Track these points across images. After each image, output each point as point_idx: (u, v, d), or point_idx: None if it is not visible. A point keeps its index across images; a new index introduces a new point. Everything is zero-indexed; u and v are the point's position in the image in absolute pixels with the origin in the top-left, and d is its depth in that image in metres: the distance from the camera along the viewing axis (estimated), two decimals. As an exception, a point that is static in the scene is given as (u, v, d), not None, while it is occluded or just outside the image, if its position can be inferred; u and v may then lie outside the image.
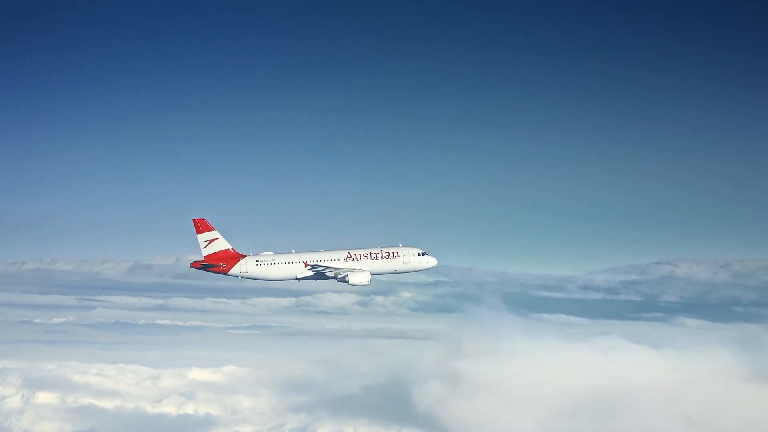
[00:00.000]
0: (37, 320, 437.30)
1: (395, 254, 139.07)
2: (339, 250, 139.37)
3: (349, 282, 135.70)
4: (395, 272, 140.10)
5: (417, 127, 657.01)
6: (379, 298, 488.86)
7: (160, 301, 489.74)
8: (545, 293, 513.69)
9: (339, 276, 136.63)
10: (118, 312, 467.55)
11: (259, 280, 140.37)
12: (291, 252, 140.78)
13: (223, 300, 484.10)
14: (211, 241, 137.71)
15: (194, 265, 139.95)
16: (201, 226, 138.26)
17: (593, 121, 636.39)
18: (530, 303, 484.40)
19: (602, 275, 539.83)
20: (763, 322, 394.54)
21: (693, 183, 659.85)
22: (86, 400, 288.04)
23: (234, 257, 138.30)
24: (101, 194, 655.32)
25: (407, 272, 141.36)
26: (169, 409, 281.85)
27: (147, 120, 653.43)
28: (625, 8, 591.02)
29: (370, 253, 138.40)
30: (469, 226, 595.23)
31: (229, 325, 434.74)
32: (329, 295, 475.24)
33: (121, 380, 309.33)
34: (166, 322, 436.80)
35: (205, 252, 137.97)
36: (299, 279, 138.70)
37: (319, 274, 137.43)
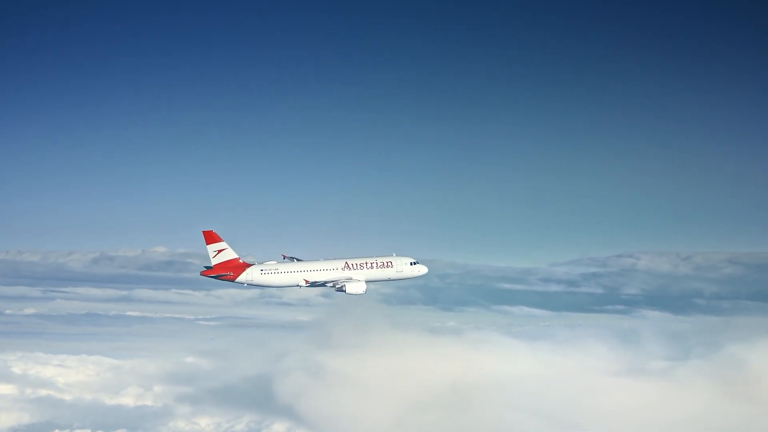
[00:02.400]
0: (8, 311, 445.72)
1: (389, 264, 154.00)
2: (337, 259, 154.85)
3: (346, 292, 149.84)
4: (389, 280, 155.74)
5: (381, 120, 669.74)
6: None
7: (125, 293, 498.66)
8: (507, 285, 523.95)
9: (337, 286, 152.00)
10: (79, 303, 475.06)
11: (264, 287, 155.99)
12: (282, 257, 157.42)
13: (188, 291, 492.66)
14: (219, 251, 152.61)
15: (204, 273, 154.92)
16: (210, 238, 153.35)
17: (556, 115, 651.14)
18: (492, 295, 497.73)
19: (563, 267, 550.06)
20: (724, 315, 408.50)
21: (655, 176, 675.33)
22: (45, 392, 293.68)
23: (240, 266, 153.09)
24: (72, 187, 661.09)
25: (400, 280, 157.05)
26: (127, 400, 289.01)
27: (117, 113, 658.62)
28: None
29: (366, 263, 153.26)
30: (432, 218, 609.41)
31: (200, 317, 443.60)
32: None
33: (82, 371, 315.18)
34: (137, 313, 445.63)
35: (214, 261, 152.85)
36: (300, 287, 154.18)
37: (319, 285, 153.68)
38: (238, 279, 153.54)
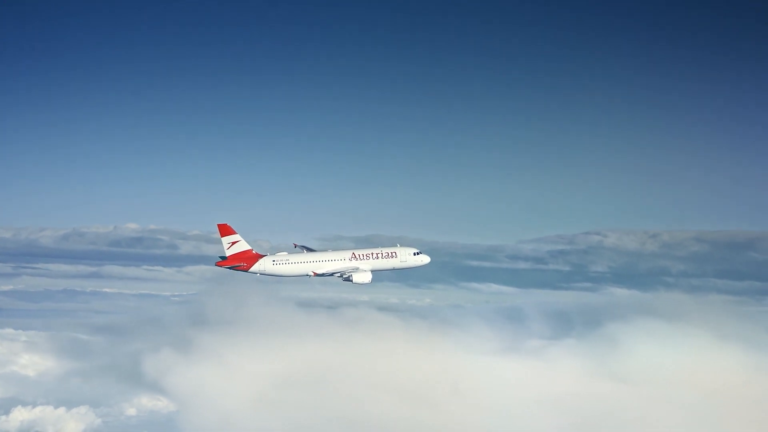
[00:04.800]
0: None
1: (394, 254, 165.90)
2: (344, 250, 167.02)
3: (353, 281, 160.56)
4: (394, 269, 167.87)
5: (344, 96, 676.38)
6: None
7: (94, 269, 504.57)
8: (475, 263, 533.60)
9: (344, 276, 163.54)
10: (46, 280, 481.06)
11: (276, 276, 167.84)
12: (293, 246, 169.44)
13: (159, 268, 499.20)
14: (233, 243, 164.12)
15: (219, 264, 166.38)
16: (224, 231, 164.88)
17: (524, 92, 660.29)
18: (460, 272, 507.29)
19: (531, 245, 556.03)
20: (692, 293, 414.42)
21: (622, 154, 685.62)
22: (10, 368, 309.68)
23: (253, 257, 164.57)
24: (44, 162, 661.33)
25: (404, 269, 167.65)
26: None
27: (90, 90, 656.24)
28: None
29: (372, 253, 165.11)
30: (398, 195, 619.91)
31: (176, 293, 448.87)
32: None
33: (49, 348, 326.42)
34: (114, 290, 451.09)
35: (228, 253, 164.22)
36: (310, 276, 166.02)
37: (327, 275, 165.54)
38: (252, 269, 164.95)
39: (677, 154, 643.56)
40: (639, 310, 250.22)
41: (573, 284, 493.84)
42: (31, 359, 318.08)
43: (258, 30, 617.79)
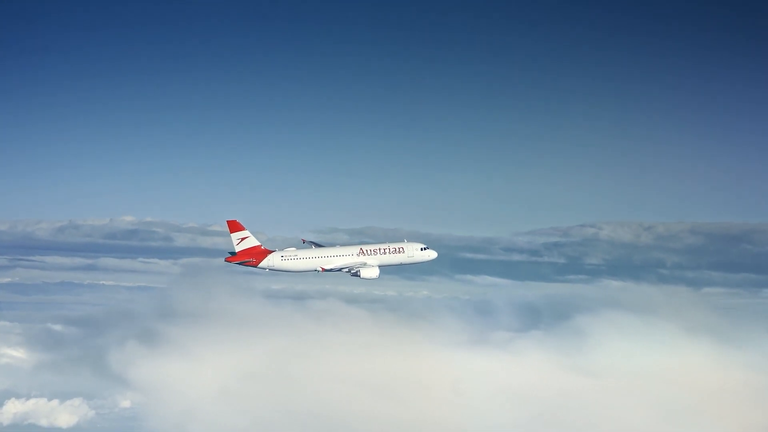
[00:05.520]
0: None
1: (401, 249, 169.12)
2: (352, 245, 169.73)
3: (361, 276, 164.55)
4: (401, 264, 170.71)
5: (343, 89, 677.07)
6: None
7: (90, 261, 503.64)
8: (469, 255, 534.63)
9: (352, 271, 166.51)
10: (39, 272, 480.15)
11: (284, 271, 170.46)
12: (302, 241, 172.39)
13: (154, 260, 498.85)
14: (242, 239, 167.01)
15: (228, 259, 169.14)
16: (234, 227, 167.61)
17: (518, 84, 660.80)
18: (455, 264, 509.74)
19: (526, 237, 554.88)
20: (689, 285, 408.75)
21: (617, 146, 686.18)
22: (4, 360, 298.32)
23: (262, 253, 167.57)
24: (39, 154, 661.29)
25: (411, 264, 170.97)
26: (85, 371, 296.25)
27: (88, 82, 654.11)
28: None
29: (380, 249, 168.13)
30: (393, 187, 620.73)
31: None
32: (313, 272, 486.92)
33: (43, 341, 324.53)
34: (110, 282, 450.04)
35: (238, 248, 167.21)
36: (318, 271, 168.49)
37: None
38: (260, 264, 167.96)
39: (672, 146, 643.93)
40: (607, 303, 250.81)
41: (568, 276, 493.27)
42: (25, 352, 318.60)
43: (252, 24, 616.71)
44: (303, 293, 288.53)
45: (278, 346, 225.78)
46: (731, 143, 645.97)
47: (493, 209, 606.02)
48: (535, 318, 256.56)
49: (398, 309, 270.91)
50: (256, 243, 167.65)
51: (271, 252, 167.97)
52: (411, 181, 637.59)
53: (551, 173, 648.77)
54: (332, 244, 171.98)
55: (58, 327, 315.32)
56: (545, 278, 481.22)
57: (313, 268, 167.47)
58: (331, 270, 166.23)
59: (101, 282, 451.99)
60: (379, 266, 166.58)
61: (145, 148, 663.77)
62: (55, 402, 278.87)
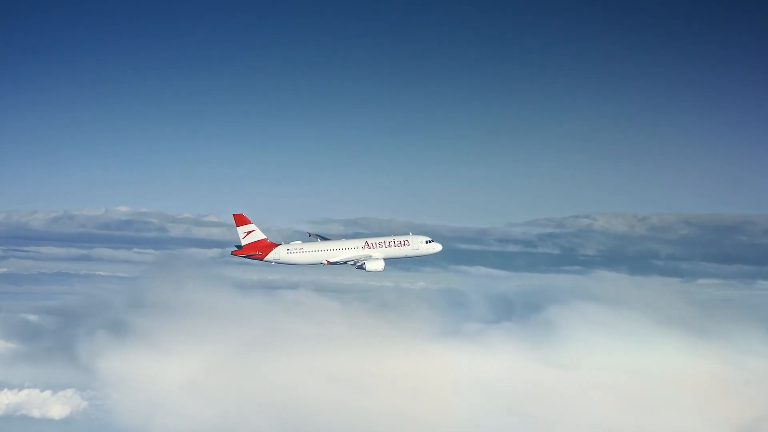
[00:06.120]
0: None
1: (406, 242, 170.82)
2: (357, 238, 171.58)
3: (366, 269, 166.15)
4: (406, 257, 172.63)
5: (337, 81, 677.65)
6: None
7: (84, 252, 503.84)
8: (464, 246, 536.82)
9: (357, 264, 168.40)
10: (32, 263, 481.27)
11: (290, 264, 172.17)
12: (307, 235, 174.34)
13: (149, 251, 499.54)
14: (248, 232, 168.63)
15: (235, 253, 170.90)
16: (240, 220, 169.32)
17: (513, 74, 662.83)
18: (450, 256, 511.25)
19: (520, 228, 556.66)
20: (682, 276, 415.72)
21: (611, 137, 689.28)
22: None
23: (268, 246, 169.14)
24: (34, 145, 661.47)
25: (416, 257, 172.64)
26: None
27: (81, 71, 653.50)
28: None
29: (385, 242, 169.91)
30: (387, 178, 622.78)
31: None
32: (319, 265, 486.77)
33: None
34: (106, 273, 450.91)
35: (244, 242, 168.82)
36: (324, 264, 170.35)
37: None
38: (266, 258, 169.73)
39: (666, 137, 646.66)
40: (579, 294, 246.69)
41: (563, 267, 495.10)
42: (18, 343, 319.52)
43: (246, 16, 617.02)
44: (274, 283, 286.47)
45: (248, 337, 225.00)
46: (726, 135, 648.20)
47: (487, 200, 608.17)
48: (508, 309, 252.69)
49: (369, 300, 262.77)
50: (262, 236, 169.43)
51: (277, 245, 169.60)
52: (405, 171, 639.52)
53: (546, 164, 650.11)
54: (337, 237, 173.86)
55: (33, 317, 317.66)
56: (540, 269, 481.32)
57: (319, 261, 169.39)
58: (336, 263, 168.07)
59: (97, 272, 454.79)
60: (384, 259, 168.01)
61: (139, 138, 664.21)
62: (48, 393, 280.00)
